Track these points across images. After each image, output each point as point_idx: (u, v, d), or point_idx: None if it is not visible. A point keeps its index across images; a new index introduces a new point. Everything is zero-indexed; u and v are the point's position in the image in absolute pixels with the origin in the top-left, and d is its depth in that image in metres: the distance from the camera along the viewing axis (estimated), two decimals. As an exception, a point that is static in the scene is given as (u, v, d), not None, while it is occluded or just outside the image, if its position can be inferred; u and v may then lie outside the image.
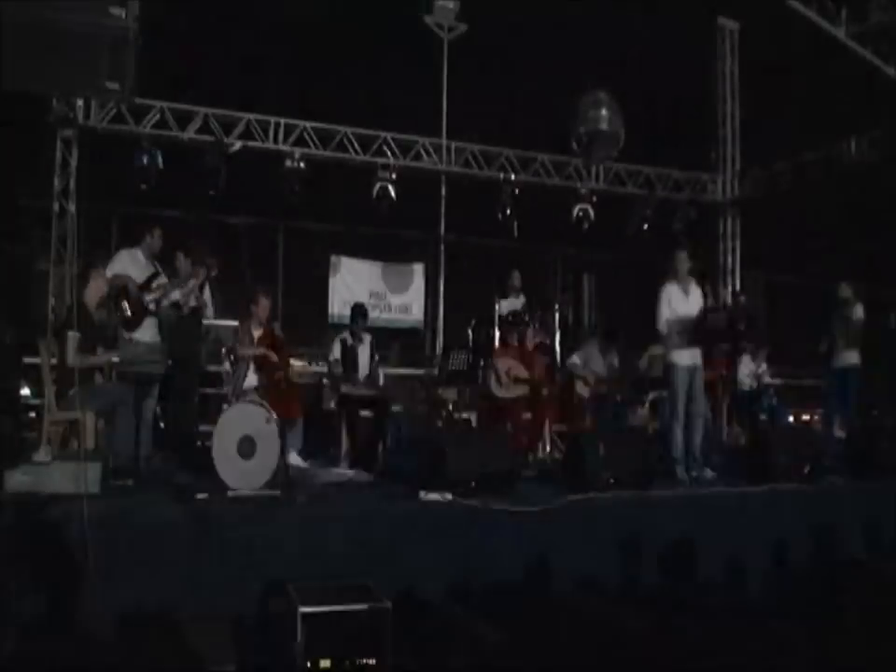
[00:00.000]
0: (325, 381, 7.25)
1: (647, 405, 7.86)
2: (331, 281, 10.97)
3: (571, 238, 10.97)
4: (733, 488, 5.85)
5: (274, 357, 6.42)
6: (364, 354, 7.16)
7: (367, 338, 7.25)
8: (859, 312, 8.19)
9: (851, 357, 8.16)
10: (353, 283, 11.08)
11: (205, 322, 7.29)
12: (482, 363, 7.83)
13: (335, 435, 7.00)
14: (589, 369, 7.77)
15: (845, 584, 5.35)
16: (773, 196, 11.10)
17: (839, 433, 8.12)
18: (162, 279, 6.64)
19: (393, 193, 9.69)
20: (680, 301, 6.58)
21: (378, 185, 9.65)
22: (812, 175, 10.35)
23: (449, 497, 4.91)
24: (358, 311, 7.26)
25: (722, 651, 5.11)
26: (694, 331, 6.55)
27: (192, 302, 6.92)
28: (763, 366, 9.27)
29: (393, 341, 10.78)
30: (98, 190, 8.71)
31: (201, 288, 6.95)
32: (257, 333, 6.68)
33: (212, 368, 7.39)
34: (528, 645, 3.75)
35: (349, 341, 7.13)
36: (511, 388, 7.54)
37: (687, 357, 6.48)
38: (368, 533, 4.64)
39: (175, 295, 6.71)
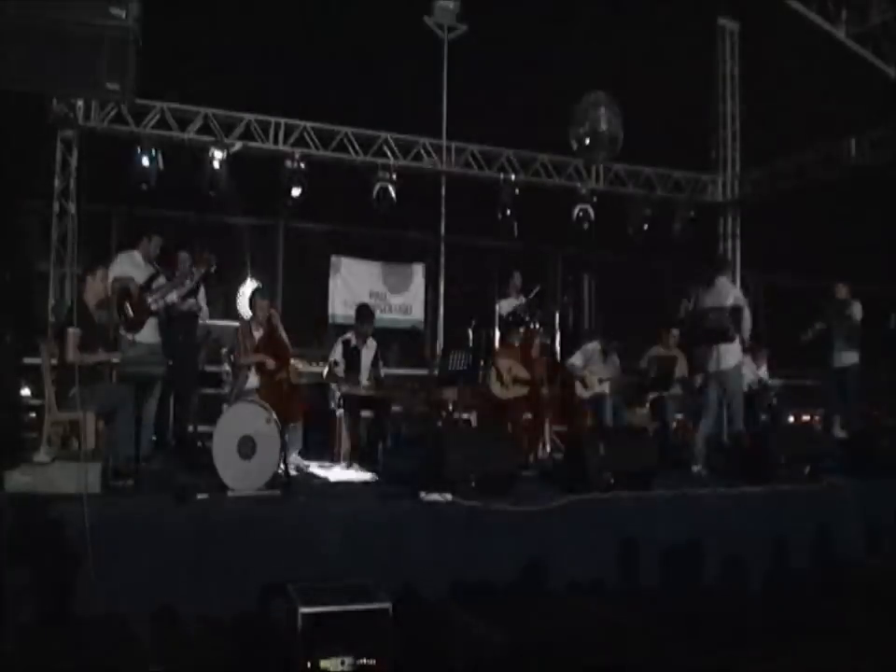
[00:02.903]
0: (329, 382, 7.23)
1: (647, 405, 7.85)
2: (331, 281, 10.97)
3: (571, 238, 10.98)
4: (733, 488, 5.84)
5: (272, 364, 6.44)
6: (367, 357, 7.15)
7: (372, 343, 7.23)
8: (856, 311, 8.16)
9: (850, 357, 8.14)
10: (353, 283, 11.08)
11: (203, 323, 7.31)
12: (482, 363, 7.83)
13: (335, 435, 7.00)
14: (589, 369, 7.76)
15: (845, 584, 5.35)
16: (773, 196, 11.10)
17: (839, 433, 8.12)
18: (161, 280, 6.66)
19: (393, 194, 9.70)
20: None
21: (378, 185, 9.65)
22: (812, 175, 10.35)
23: (449, 497, 4.91)
24: (364, 312, 7.23)
25: (722, 651, 5.11)
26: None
27: (190, 304, 6.94)
28: (764, 367, 9.27)
29: (393, 341, 10.79)
30: (98, 190, 8.71)
31: (196, 290, 6.97)
32: (257, 334, 6.68)
33: (212, 368, 7.40)
34: (528, 645, 3.75)
35: (353, 342, 7.13)
36: (511, 388, 7.54)
37: None
38: (368, 533, 4.64)
39: (173, 296, 6.73)
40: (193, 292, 6.97)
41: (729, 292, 6.94)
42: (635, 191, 11.12)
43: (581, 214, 10.55)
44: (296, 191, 9.29)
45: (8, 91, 4.12)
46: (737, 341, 6.85)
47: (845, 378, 8.11)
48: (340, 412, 6.95)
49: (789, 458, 6.02)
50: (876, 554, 5.60)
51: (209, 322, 7.53)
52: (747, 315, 6.92)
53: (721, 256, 7.29)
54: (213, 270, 6.99)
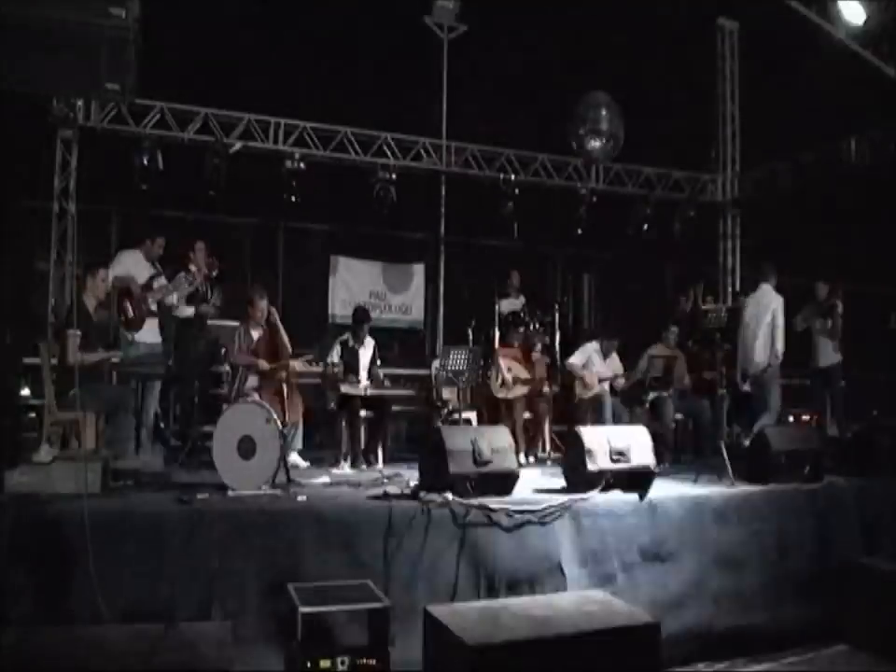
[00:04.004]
0: (322, 381, 7.23)
1: (647, 405, 7.84)
2: (331, 281, 10.97)
3: (571, 238, 10.98)
4: (733, 488, 5.84)
5: (265, 366, 6.43)
6: (365, 357, 7.16)
7: (370, 342, 7.24)
8: (838, 309, 8.18)
9: (833, 356, 8.14)
10: (353, 283, 11.08)
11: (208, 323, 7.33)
12: (482, 363, 7.82)
13: (335, 435, 7.00)
14: (589, 369, 7.76)
15: (845, 584, 5.36)
16: (773, 196, 11.10)
17: (833, 432, 8.15)
18: (162, 280, 6.67)
19: (393, 193, 9.69)
20: None
21: (378, 185, 9.65)
22: (812, 175, 10.34)
23: (449, 497, 4.91)
24: (360, 315, 7.25)
25: (722, 651, 5.12)
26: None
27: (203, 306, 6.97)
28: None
29: (393, 341, 10.78)
30: (98, 190, 8.70)
31: (207, 292, 7.00)
32: (256, 334, 6.68)
33: (211, 368, 7.40)
34: (527, 645, 3.75)
35: (350, 342, 7.13)
36: (511, 388, 7.54)
37: None
38: (367, 533, 4.64)
39: (172, 299, 6.73)
40: (200, 294, 6.99)
41: (771, 299, 7.38)
42: (635, 191, 11.12)
43: (581, 214, 10.55)
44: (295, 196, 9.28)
45: (8, 90, 4.11)
46: (764, 343, 7.27)
47: (829, 377, 8.14)
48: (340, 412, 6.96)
49: (789, 458, 6.01)
50: (876, 554, 5.59)
51: (210, 322, 7.55)
52: (780, 323, 7.30)
53: (768, 263, 7.55)
54: (215, 274, 7.01)
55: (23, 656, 3.46)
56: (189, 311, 6.93)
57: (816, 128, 10.05)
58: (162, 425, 7.46)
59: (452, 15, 10.31)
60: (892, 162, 9.12)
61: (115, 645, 3.60)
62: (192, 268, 6.85)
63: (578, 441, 5.60)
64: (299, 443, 6.71)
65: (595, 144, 8.84)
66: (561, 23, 9.40)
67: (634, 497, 5.36)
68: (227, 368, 6.85)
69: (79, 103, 8.59)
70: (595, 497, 5.24)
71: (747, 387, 8.46)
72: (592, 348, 7.93)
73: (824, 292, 8.22)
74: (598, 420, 7.52)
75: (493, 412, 7.66)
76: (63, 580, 4.03)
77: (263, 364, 6.45)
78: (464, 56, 10.16)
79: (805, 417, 9.57)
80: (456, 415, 7.72)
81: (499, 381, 7.61)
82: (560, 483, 5.74)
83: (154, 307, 6.56)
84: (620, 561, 5.12)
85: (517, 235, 10.15)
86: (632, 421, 7.71)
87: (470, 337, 8.65)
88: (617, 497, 5.31)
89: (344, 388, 6.89)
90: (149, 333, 6.54)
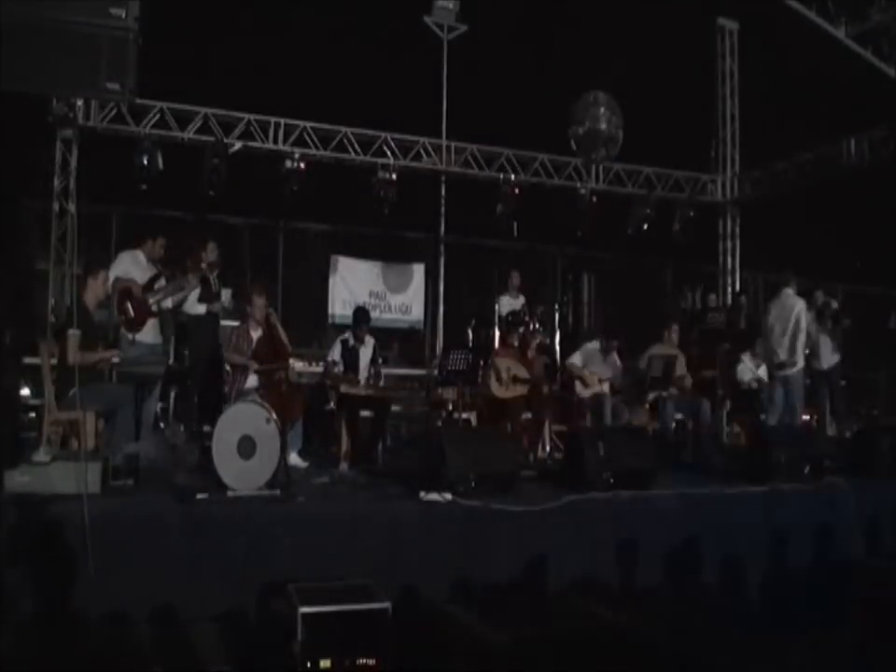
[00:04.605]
0: (328, 381, 7.22)
1: (647, 405, 7.84)
2: (331, 281, 10.97)
3: (571, 238, 10.99)
4: (733, 488, 5.84)
5: (255, 367, 6.41)
6: (365, 356, 7.16)
7: (370, 341, 7.24)
8: (839, 313, 8.32)
9: (833, 358, 8.25)
10: (353, 283, 11.08)
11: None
12: (482, 363, 7.82)
13: (335, 435, 7.00)
14: (589, 369, 7.76)
15: (845, 584, 5.35)
16: (773, 196, 11.10)
17: (833, 432, 8.20)
18: (163, 282, 6.66)
19: (393, 193, 9.70)
20: None
21: (378, 185, 9.65)
22: (812, 174, 10.35)
23: (449, 497, 4.90)
24: (360, 315, 7.26)
25: (721, 652, 5.12)
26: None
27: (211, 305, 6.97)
28: (763, 366, 9.26)
29: (393, 341, 10.79)
30: (98, 190, 8.71)
31: (218, 292, 7.02)
32: (256, 334, 6.67)
33: (213, 368, 7.40)
34: (528, 645, 3.75)
35: (351, 342, 7.13)
36: (510, 388, 7.53)
37: None
38: (368, 533, 4.64)
39: (168, 303, 6.70)
40: (214, 292, 6.99)
41: (795, 303, 7.69)
42: (635, 191, 11.12)
43: (581, 214, 10.55)
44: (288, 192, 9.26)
45: (9, 90, 4.11)
46: (789, 344, 7.62)
47: (829, 378, 8.23)
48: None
49: (789, 458, 6.01)
50: (876, 554, 5.59)
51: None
52: (803, 325, 7.61)
53: (789, 269, 7.81)
54: (216, 274, 7.01)
55: (23, 656, 3.46)
56: (200, 308, 6.94)
57: (816, 128, 10.06)
58: (162, 424, 7.47)
59: (452, 15, 10.32)
60: (892, 162, 9.13)
61: (114, 645, 3.60)
62: (203, 265, 6.84)
63: (578, 441, 5.60)
64: (298, 443, 6.71)
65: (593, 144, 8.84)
66: (561, 23, 9.41)
67: (634, 496, 5.36)
68: (227, 368, 6.84)
69: (79, 103, 8.60)
70: (596, 497, 5.24)
71: (754, 384, 8.51)
72: (592, 348, 7.92)
73: (821, 297, 8.35)
74: (598, 420, 7.52)
75: (493, 412, 7.66)
76: (62, 580, 4.03)
77: (254, 365, 6.44)
78: (464, 56, 10.17)
79: (805, 417, 9.58)
80: (456, 415, 7.72)
81: (498, 381, 7.60)
82: (560, 483, 5.73)
83: (154, 308, 6.55)
84: (620, 560, 5.11)
85: (517, 235, 10.16)
86: (632, 421, 7.72)
87: (470, 337, 8.65)
88: (617, 497, 5.31)
89: (344, 388, 6.88)
90: (149, 333, 6.53)
